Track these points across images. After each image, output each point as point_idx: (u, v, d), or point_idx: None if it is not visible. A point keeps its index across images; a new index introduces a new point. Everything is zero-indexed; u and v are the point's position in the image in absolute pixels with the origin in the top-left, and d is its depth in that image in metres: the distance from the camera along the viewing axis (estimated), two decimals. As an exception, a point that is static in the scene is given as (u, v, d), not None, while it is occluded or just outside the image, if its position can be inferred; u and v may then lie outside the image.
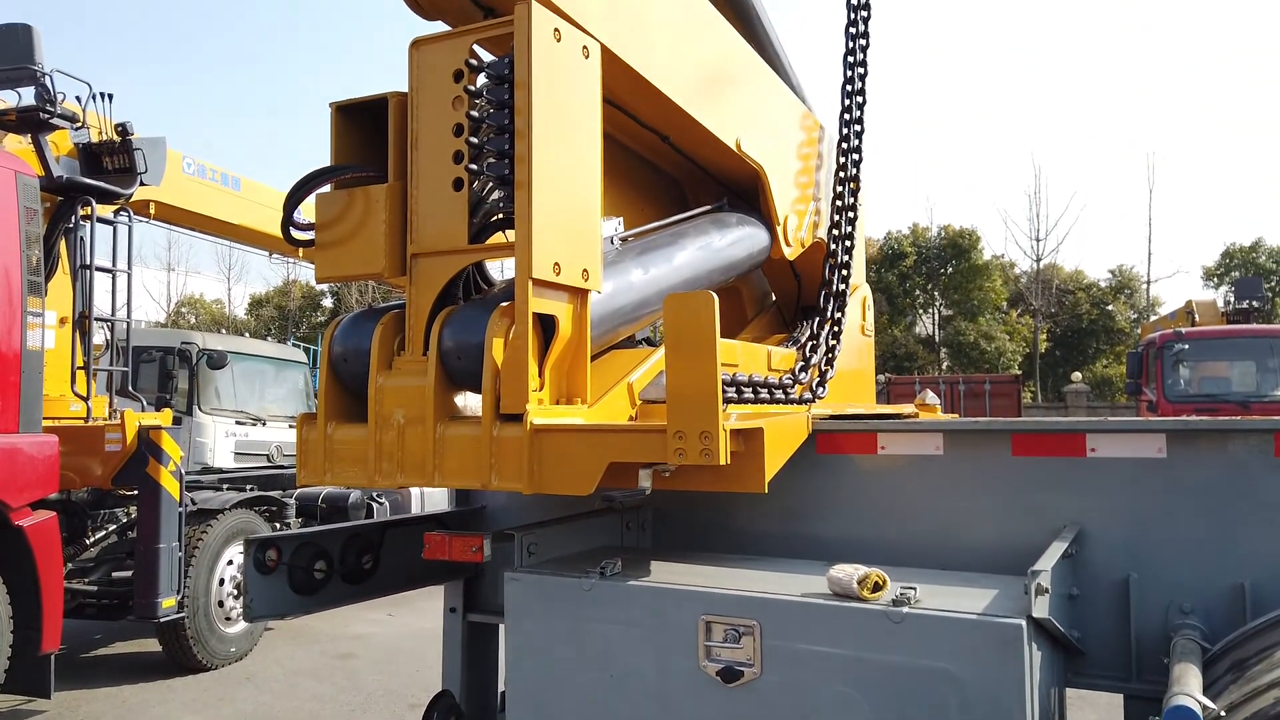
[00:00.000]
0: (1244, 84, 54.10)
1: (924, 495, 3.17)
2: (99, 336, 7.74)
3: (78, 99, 7.39)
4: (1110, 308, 37.80)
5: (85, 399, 7.23)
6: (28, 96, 6.96)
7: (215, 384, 10.49)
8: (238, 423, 10.61)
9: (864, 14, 4.48)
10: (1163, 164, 50.55)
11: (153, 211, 8.88)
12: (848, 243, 4.43)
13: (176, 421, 7.84)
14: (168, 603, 6.64)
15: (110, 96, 7.64)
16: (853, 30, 4.46)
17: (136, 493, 6.76)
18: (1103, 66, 56.03)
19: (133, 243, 7.71)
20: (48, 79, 6.91)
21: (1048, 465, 3.00)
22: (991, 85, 59.38)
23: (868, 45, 4.49)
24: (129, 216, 7.76)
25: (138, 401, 7.76)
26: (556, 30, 2.68)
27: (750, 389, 3.43)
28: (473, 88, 2.69)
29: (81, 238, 7.36)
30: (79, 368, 7.24)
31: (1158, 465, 2.86)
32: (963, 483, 3.12)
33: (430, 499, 10.12)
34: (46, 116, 6.95)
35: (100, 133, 7.63)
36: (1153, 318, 30.22)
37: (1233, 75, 55.32)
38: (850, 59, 4.47)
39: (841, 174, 4.49)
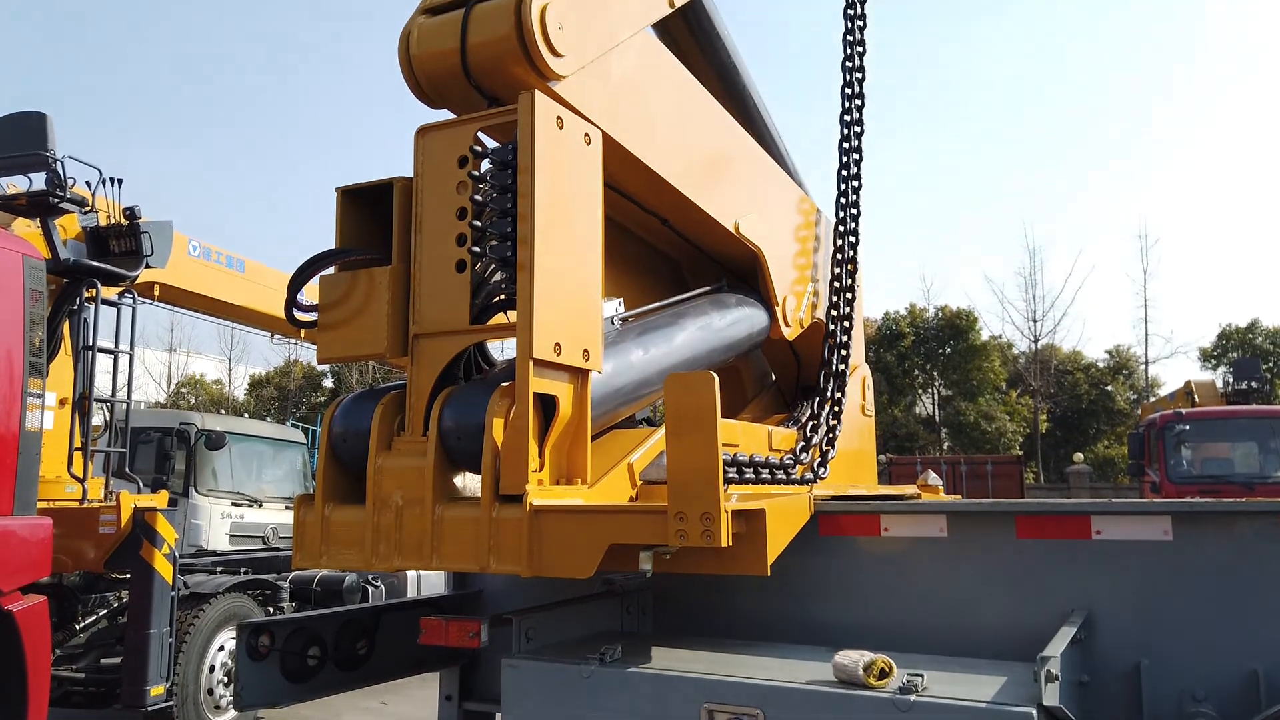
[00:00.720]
0: (1237, 165, 55.20)
1: (928, 578, 3.13)
2: (98, 417, 7.71)
3: (88, 184, 7.52)
4: (1109, 388, 37.82)
5: (82, 480, 7.18)
6: (38, 181, 7.09)
7: (213, 465, 10.43)
8: (234, 504, 10.51)
9: (857, 102, 4.62)
10: (1156, 246, 51.37)
11: (157, 293, 8.97)
12: (846, 323, 4.48)
13: (173, 503, 7.76)
14: (156, 691, 6.46)
15: (120, 181, 7.77)
16: (847, 118, 4.61)
17: (129, 576, 6.66)
18: (1095, 151, 57.29)
19: (136, 324, 7.76)
20: (59, 164, 7.05)
21: (1053, 548, 2.96)
22: (986, 166, 60.65)
23: (862, 131, 4.63)
24: (133, 298, 7.83)
25: (134, 483, 7.69)
26: (559, 118, 2.75)
27: (751, 469, 3.42)
28: (477, 173, 2.75)
29: (85, 319, 7.41)
30: (77, 449, 7.20)
31: (1164, 548, 2.83)
32: (967, 565, 3.09)
33: (427, 581, 9.94)
34: (56, 201, 7.06)
35: (108, 216, 7.75)
36: (1152, 398, 30.23)
37: (1225, 157, 56.49)
38: (845, 144, 4.61)
39: (839, 256, 4.56)
